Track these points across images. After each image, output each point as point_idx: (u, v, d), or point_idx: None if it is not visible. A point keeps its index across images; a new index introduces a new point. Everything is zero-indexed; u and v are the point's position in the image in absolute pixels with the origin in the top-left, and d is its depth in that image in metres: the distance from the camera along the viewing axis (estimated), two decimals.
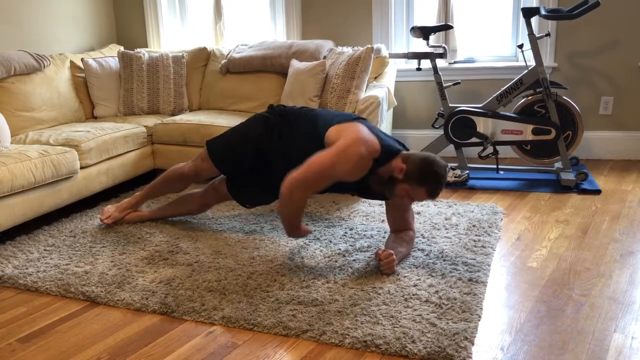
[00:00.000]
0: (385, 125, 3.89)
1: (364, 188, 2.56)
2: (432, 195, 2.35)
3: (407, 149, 2.52)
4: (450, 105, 3.72)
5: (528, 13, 3.48)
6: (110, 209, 3.07)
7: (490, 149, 3.73)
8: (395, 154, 2.41)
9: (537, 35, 3.54)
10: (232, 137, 2.80)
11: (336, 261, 2.54)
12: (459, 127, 3.67)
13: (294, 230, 2.45)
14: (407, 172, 2.34)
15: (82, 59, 4.12)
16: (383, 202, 3.29)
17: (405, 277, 2.36)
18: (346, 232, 2.87)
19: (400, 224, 2.63)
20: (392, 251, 2.40)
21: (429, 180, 2.32)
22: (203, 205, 3.04)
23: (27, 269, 2.59)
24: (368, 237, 2.80)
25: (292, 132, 2.64)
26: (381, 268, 2.38)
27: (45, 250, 2.80)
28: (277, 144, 2.66)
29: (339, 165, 2.29)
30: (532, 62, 3.60)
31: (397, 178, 2.36)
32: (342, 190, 2.66)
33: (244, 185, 2.85)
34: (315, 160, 2.31)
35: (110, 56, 4.28)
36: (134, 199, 3.09)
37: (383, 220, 3.02)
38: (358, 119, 2.57)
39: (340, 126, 2.44)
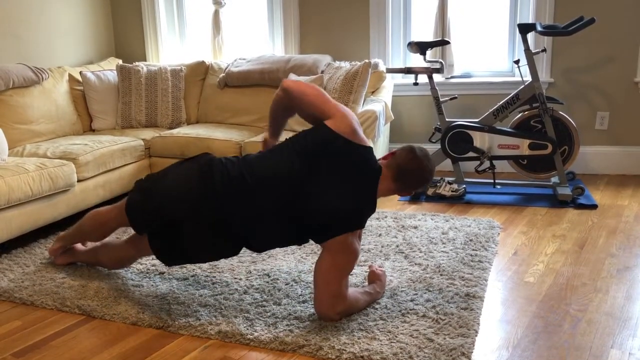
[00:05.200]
0: (383, 139, 3.90)
1: None
2: (421, 180, 2.24)
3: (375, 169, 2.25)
4: (447, 119, 3.74)
5: (524, 29, 3.51)
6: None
7: (487, 164, 3.74)
8: (377, 180, 2.20)
9: (533, 51, 3.57)
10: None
11: None
12: (455, 142, 3.68)
13: (374, 297, 2.28)
14: (393, 159, 2.22)
15: (80, 72, 4.14)
16: (378, 216, 3.30)
17: (402, 291, 2.36)
18: None
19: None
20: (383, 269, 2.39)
21: (416, 166, 2.20)
22: (129, 259, 2.56)
23: (23, 282, 2.58)
24: (365, 252, 2.80)
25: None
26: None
27: (41, 263, 2.78)
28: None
29: (347, 263, 2.14)
30: (528, 78, 3.63)
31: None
32: None
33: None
34: (326, 278, 2.11)
35: (108, 69, 4.29)
36: (58, 244, 2.75)
37: (380, 235, 3.02)
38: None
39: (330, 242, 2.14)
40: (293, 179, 2.15)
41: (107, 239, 2.67)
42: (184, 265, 2.68)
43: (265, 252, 2.81)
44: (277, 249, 2.85)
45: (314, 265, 2.63)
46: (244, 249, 2.31)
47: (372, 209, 2.22)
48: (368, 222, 3.17)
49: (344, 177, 2.15)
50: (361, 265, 2.63)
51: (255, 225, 2.18)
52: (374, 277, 2.37)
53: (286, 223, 2.18)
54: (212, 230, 2.18)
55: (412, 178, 2.23)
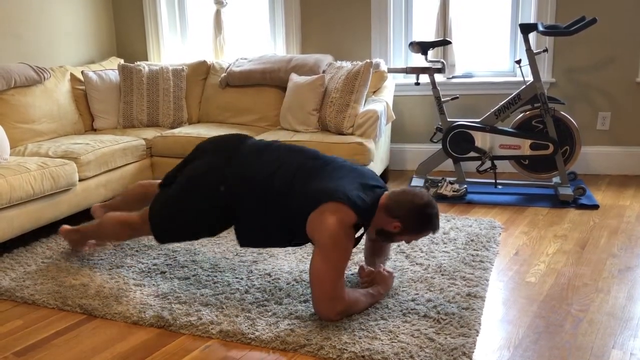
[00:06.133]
0: (384, 139, 3.90)
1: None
2: (434, 232, 2.26)
3: (380, 187, 2.31)
4: (448, 119, 3.74)
5: (526, 29, 3.51)
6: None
7: (488, 164, 3.74)
8: (374, 211, 2.21)
9: (534, 51, 3.57)
10: (181, 225, 2.48)
11: None
12: (457, 142, 3.68)
13: (375, 299, 2.27)
14: (403, 227, 2.21)
15: (82, 72, 4.14)
16: None
17: (403, 291, 2.36)
18: None
19: (380, 258, 2.54)
20: (372, 269, 2.36)
21: (428, 225, 2.22)
22: (133, 237, 2.71)
23: (24, 281, 2.58)
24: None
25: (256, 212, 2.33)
26: (361, 285, 2.35)
27: (42, 262, 2.79)
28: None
29: (337, 260, 2.10)
30: (530, 78, 3.62)
31: (393, 232, 2.23)
32: None
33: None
34: (320, 278, 2.09)
35: (110, 69, 4.30)
36: (78, 234, 2.86)
37: None
38: (317, 168, 2.30)
39: (312, 222, 2.14)
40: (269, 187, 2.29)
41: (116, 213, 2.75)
42: (186, 265, 2.69)
43: (266, 252, 2.82)
44: (279, 249, 2.85)
45: None
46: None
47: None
48: None
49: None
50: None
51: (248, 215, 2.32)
52: (380, 279, 2.32)
53: (273, 222, 2.28)
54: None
55: (411, 214, 2.18)
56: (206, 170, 2.42)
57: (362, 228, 2.26)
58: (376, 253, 2.51)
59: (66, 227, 2.89)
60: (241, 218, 2.34)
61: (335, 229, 2.08)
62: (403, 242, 2.47)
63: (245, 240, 2.38)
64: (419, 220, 2.20)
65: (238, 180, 2.34)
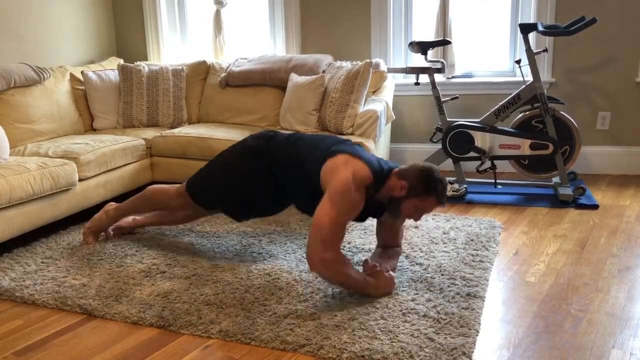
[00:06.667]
0: (384, 139, 3.90)
1: (363, 213, 2.45)
2: (441, 201, 2.32)
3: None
4: (448, 119, 3.74)
5: (526, 29, 3.51)
6: (90, 233, 3.01)
7: (488, 164, 3.74)
8: (388, 175, 2.35)
9: (534, 51, 3.57)
10: (214, 183, 2.70)
11: None
12: (457, 142, 3.68)
13: (367, 285, 2.30)
14: (409, 188, 2.29)
15: (82, 72, 4.14)
16: None
17: (403, 291, 2.36)
18: (344, 246, 2.86)
19: (390, 241, 2.62)
20: (377, 264, 2.38)
21: (435, 187, 2.28)
22: (190, 217, 3.00)
23: (24, 281, 2.58)
24: (366, 252, 2.80)
25: (282, 167, 2.53)
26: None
27: (42, 262, 2.79)
28: (265, 172, 2.57)
29: (342, 214, 2.20)
30: (529, 77, 3.62)
31: (400, 197, 2.31)
32: None
33: (236, 204, 2.73)
34: (319, 222, 2.19)
35: (110, 69, 4.30)
36: (109, 220, 3.01)
37: None
38: (342, 142, 2.49)
39: (325, 169, 2.32)
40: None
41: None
42: (186, 265, 2.69)
43: (266, 252, 2.82)
44: (279, 249, 2.85)
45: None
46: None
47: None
48: (369, 222, 3.17)
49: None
50: (362, 265, 2.62)
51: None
52: (379, 277, 2.32)
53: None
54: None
55: (417, 174, 2.30)
56: (244, 152, 2.63)
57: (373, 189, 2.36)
58: (384, 257, 2.54)
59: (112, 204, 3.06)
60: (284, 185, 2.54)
61: (349, 181, 2.21)
62: (412, 220, 2.50)
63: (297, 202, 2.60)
64: (425, 181, 2.28)
65: (278, 155, 2.54)
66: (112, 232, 3.05)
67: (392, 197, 2.34)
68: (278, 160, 2.54)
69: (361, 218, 2.50)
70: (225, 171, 2.66)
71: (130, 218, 3.09)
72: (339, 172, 2.26)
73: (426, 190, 2.29)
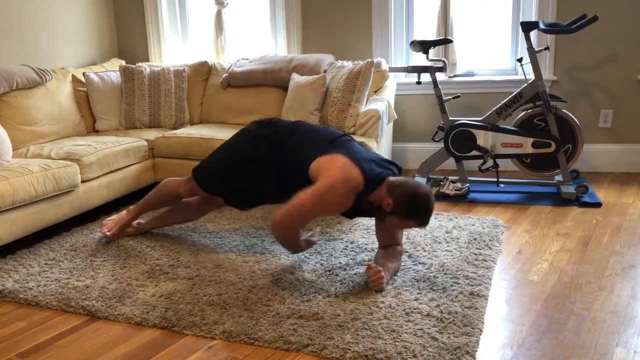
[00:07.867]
0: (386, 138, 3.90)
1: (351, 212, 2.55)
2: (422, 225, 2.40)
3: (397, 167, 2.56)
4: (450, 118, 3.74)
5: (527, 27, 3.51)
6: (110, 224, 3.06)
7: (490, 162, 3.74)
8: (380, 182, 2.41)
9: (536, 49, 3.56)
10: (217, 167, 2.80)
11: (337, 275, 2.53)
12: (459, 141, 3.68)
13: (296, 250, 2.53)
14: (394, 206, 2.36)
15: (83, 73, 4.14)
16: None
17: (406, 290, 2.36)
18: (347, 246, 2.87)
19: (389, 240, 2.63)
20: (381, 268, 2.39)
21: (417, 214, 2.36)
22: (201, 212, 3.09)
23: (27, 283, 2.59)
24: (369, 251, 2.80)
25: (280, 153, 2.63)
26: (369, 284, 2.38)
27: (45, 264, 2.79)
28: (265, 156, 2.66)
29: (321, 207, 2.35)
30: (531, 76, 3.62)
31: (385, 211, 2.39)
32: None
33: (238, 190, 2.82)
34: (300, 202, 2.34)
35: (112, 70, 4.30)
36: (129, 215, 3.08)
37: None
38: (342, 136, 2.59)
39: (320, 162, 2.43)
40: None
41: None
42: (189, 265, 2.69)
43: (269, 252, 2.82)
44: (281, 249, 2.85)
45: (317, 264, 2.64)
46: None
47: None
48: (371, 222, 3.17)
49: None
50: (365, 265, 2.63)
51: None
52: (370, 272, 2.39)
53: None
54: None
55: (404, 197, 2.35)
56: (246, 139, 2.73)
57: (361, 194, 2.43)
58: (387, 258, 2.56)
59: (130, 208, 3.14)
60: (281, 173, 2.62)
61: (338, 184, 2.30)
62: (404, 242, 2.54)
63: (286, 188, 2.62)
64: (409, 206, 2.35)
65: (276, 140, 2.64)
66: (131, 228, 3.12)
67: (380, 206, 2.42)
68: (279, 145, 2.63)
69: (349, 215, 2.61)
70: (228, 156, 2.77)
71: (134, 223, 3.13)
72: (333, 170, 2.35)
73: (408, 214, 2.36)
